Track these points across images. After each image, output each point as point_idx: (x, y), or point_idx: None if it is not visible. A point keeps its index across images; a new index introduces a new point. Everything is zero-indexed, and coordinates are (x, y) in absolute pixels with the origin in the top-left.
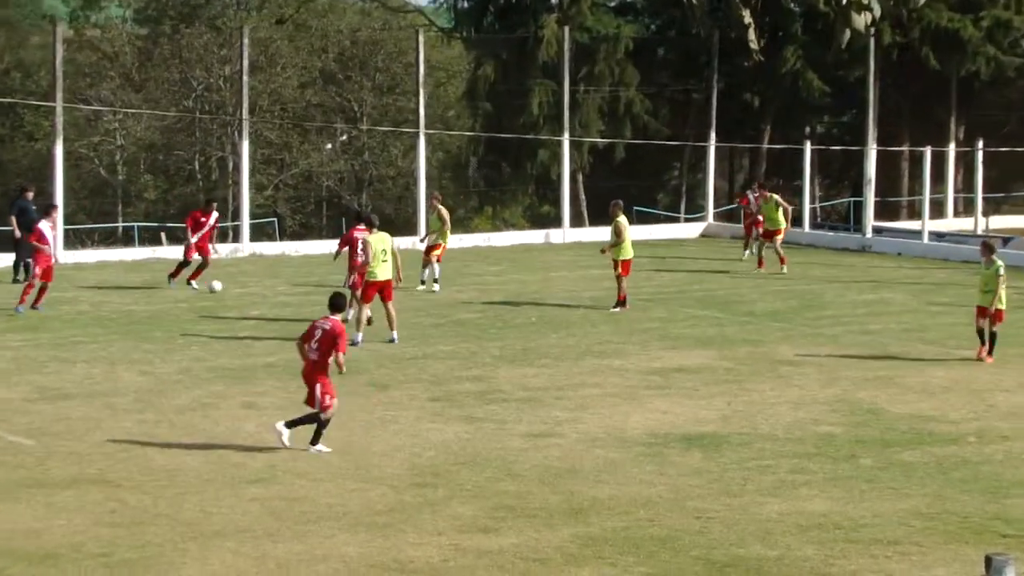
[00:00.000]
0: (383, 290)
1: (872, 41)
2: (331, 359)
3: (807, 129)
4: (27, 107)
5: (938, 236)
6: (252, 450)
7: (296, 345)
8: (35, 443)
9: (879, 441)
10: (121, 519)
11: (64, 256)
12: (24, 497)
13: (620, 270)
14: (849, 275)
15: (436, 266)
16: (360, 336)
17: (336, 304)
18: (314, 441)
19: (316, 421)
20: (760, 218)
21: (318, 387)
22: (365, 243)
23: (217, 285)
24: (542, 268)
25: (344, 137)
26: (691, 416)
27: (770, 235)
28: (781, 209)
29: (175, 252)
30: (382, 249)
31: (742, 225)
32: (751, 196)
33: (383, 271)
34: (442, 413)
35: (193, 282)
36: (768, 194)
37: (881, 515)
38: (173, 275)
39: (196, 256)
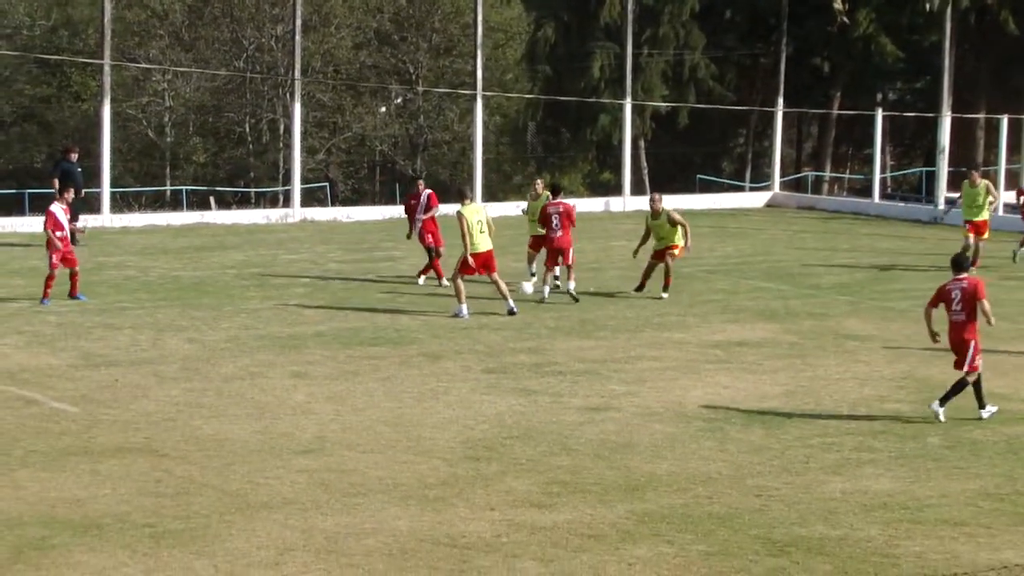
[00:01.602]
0: (488, 263)
1: (949, 4)
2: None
3: (879, 95)
4: (74, 66)
5: (1014, 208)
6: (301, 420)
7: (924, 314)
8: (80, 410)
9: (948, 420)
10: (167, 489)
11: (111, 220)
12: (69, 465)
13: (679, 253)
14: (920, 248)
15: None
16: (465, 308)
17: (959, 263)
18: (981, 406)
19: (963, 388)
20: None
21: (971, 346)
22: (459, 216)
23: (527, 287)
24: (601, 237)
25: (399, 100)
26: (753, 391)
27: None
28: (989, 197)
29: (224, 217)
30: (477, 220)
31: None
32: None
33: (484, 242)
34: (496, 385)
35: (422, 278)
36: (978, 179)
37: (948, 495)
38: (423, 271)
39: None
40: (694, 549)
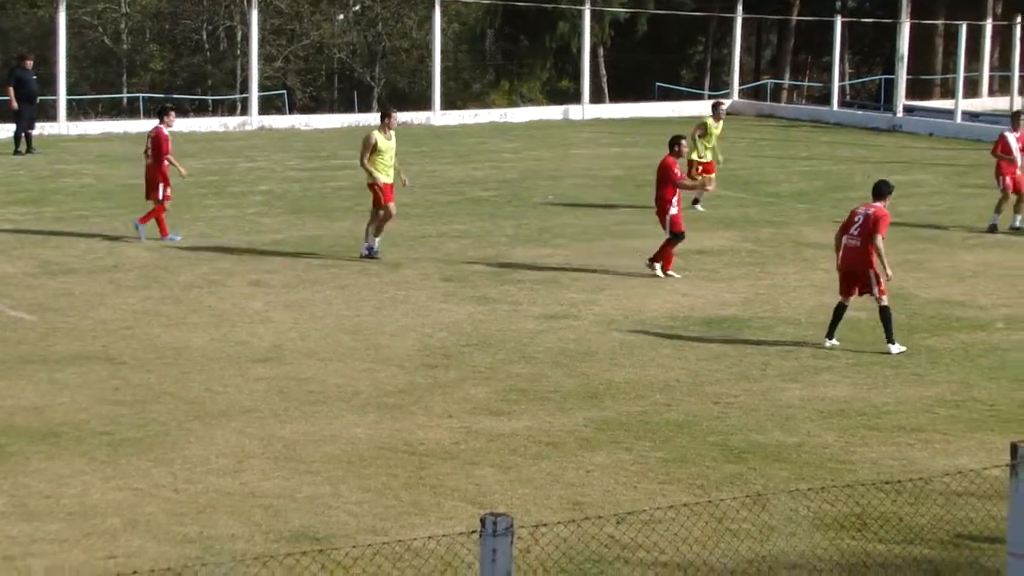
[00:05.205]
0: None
1: None
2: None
3: (838, 2)
4: None
5: (972, 116)
6: (259, 329)
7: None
8: (37, 319)
9: (905, 326)
10: (124, 397)
11: (67, 127)
12: (26, 373)
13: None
14: (878, 155)
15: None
16: None
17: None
18: (890, 339)
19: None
20: None
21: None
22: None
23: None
24: (560, 145)
25: (357, 7)
26: (712, 299)
27: None
28: None
29: (181, 124)
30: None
31: None
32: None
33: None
34: (455, 293)
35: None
36: None
37: (905, 402)
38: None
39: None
40: (652, 456)
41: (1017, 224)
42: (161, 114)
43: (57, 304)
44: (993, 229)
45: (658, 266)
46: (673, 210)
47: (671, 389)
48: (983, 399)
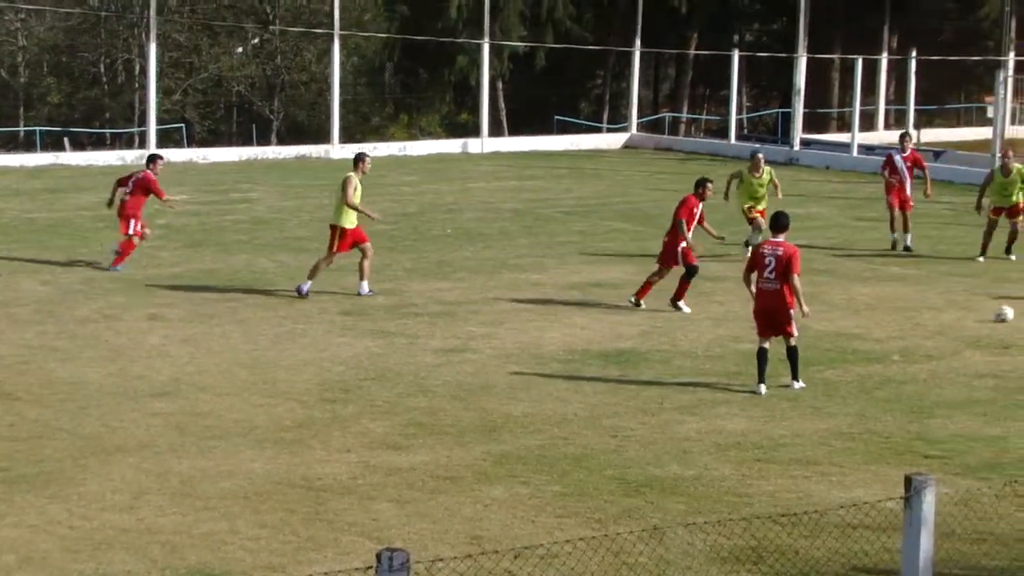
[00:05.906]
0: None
1: None
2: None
3: (736, 37)
4: None
5: (868, 149)
6: (156, 363)
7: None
8: None
9: (801, 359)
10: (20, 433)
11: None
12: None
13: None
14: None
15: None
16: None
17: (778, 222)
18: (795, 377)
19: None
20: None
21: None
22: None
23: (1008, 313)
24: (459, 178)
25: (256, 40)
26: (609, 332)
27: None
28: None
29: (78, 158)
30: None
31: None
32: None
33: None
34: (353, 327)
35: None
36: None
37: (801, 435)
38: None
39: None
40: (549, 490)
41: (908, 244)
42: (149, 162)
43: None
44: (895, 246)
45: (682, 303)
46: (683, 244)
47: (569, 423)
48: (879, 431)
